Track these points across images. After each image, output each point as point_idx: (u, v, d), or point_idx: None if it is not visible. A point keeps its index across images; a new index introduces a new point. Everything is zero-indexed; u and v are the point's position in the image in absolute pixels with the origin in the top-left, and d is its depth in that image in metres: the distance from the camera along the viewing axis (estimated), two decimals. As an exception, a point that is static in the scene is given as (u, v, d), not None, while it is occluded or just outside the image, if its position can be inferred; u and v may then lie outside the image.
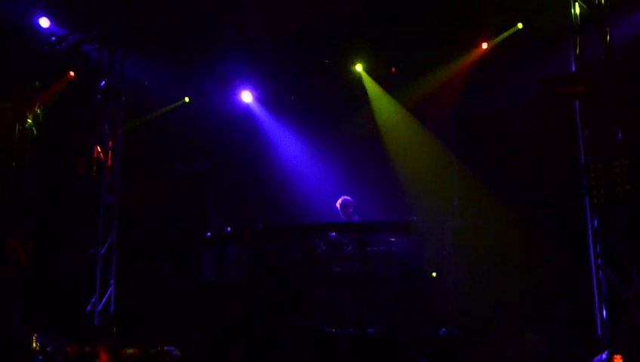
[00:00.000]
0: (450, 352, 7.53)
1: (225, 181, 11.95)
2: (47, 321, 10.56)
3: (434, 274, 9.38)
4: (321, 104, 11.95)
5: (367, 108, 11.42)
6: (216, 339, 8.40)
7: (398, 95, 11.15)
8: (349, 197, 9.75)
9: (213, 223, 10.40)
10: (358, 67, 11.62)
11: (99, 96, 11.28)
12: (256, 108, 12.63)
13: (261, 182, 11.87)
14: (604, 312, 7.25)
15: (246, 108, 12.62)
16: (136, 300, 10.93)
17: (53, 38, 11.19)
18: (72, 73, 11.41)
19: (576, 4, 7.83)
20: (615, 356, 6.46)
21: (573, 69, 7.84)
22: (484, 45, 10.32)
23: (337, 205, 9.73)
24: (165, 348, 8.46)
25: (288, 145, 12.25)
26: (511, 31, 9.97)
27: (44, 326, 10.08)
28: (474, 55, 10.27)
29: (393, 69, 11.38)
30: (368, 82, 11.57)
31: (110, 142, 11.30)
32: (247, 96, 12.57)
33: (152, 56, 11.71)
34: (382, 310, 8.55)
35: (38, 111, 12.07)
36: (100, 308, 10.81)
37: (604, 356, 6.61)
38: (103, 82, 11.32)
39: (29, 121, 11.85)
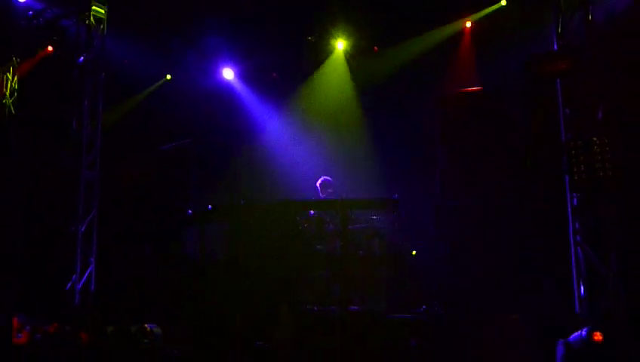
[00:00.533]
0: (434, 331, 7.58)
1: (207, 159, 11.87)
2: (28, 300, 10.49)
3: (414, 253, 9.44)
4: (304, 82, 11.87)
5: (348, 87, 11.37)
6: (197, 317, 8.40)
7: (379, 73, 11.10)
8: (328, 178, 9.74)
9: (195, 201, 10.34)
10: (340, 45, 11.56)
11: (77, 71, 11.10)
12: (238, 86, 12.54)
13: (243, 160, 11.81)
14: (582, 289, 7.34)
15: (227, 86, 12.53)
16: (117, 278, 10.87)
17: (31, 13, 10.98)
18: (50, 48, 11.22)
19: (559, -19, 7.83)
20: (595, 332, 6.53)
21: (555, 47, 7.86)
22: (468, 24, 10.29)
23: (317, 185, 9.72)
24: (146, 325, 8.44)
25: (270, 123, 12.19)
26: (495, 7, 9.94)
27: (25, 305, 10.02)
28: (458, 33, 10.24)
29: (375, 48, 11.34)
30: (348, 61, 11.52)
31: (89, 118, 11.17)
32: (228, 74, 12.46)
33: (131, 32, 11.55)
34: (364, 288, 8.59)
35: (15, 87, 11.90)
36: (80, 286, 10.73)
37: (583, 332, 6.68)
38: (82, 57, 11.15)
39: (6, 96, 11.67)
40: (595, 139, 7.28)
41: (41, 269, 11.21)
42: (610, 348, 6.43)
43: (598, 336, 6.46)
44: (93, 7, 10.93)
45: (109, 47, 11.32)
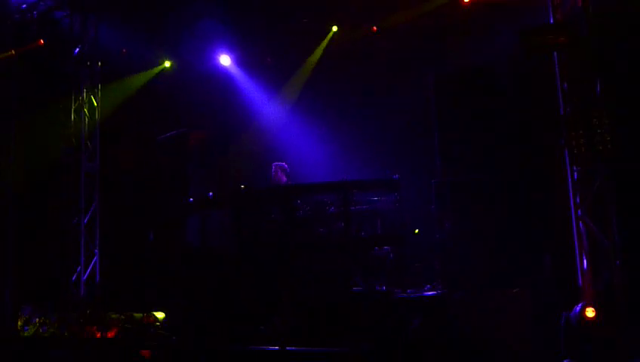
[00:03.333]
0: (438, 309, 7.58)
1: (206, 146, 11.86)
2: (33, 292, 10.56)
3: (416, 232, 9.43)
4: (300, 66, 11.82)
5: (345, 68, 11.30)
6: (201, 305, 8.44)
7: (374, 53, 11.03)
8: (284, 163, 9.73)
9: (196, 189, 10.35)
10: (336, 26, 11.50)
11: (73, 63, 11.09)
12: (236, 72, 12.49)
13: (242, 146, 11.80)
14: (585, 262, 7.31)
15: (225, 72, 12.48)
16: (121, 268, 10.93)
17: (24, 6, 10.94)
18: (42, 41, 11.17)
19: (555, -48, 7.72)
20: (587, 308, 6.52)
21: (552, 20, 7.78)
22: (466, -1, 10.17)
23: (272, 171, 9.70)
24: (152, 313, 8.49)
25: (268, 108, 12.16)
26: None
27: (30, 298, 10.09)
28: (453, 8, 10.13)
29: (374, 28, 11.25)
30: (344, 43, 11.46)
31: (88, 110, 11.17)
32: (225, 60, 12.41)
33: (126, 21, 11.50)
34: (366, 269, 8.60)
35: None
36: (85, 277, 10.81)
37: (578, 307, 6.69)
38: (77, 49, 11.13)
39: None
40: (594, 112, 7.24)
41: (46, 262, 11.27)
42: (605, 322, 6.42)
43: (590, 312, 6.45)
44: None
45: (104, 37, 11.30)
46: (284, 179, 9.69)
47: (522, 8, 8.85)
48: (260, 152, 11.43)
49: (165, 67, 12.55)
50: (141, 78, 12.54)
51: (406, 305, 7.70)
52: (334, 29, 11.49)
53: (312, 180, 9.71)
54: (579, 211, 7.46)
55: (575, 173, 7.55)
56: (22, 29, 10.97)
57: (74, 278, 10.72)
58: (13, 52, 10.33)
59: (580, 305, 6.69)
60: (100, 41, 11.26)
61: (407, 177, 8.73)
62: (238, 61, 12.43)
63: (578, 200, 7.48)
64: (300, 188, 9.16)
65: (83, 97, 11.15)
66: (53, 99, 11.44)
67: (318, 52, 11.68)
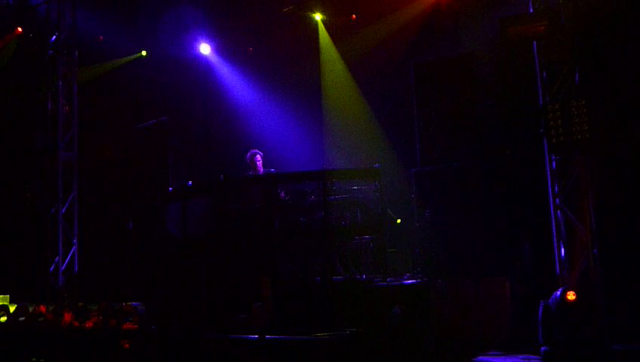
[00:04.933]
0: (418, 298, 7.61)
1: (185, 135, 11.78)
2: (10, 282, 10.46)
3: (398, 221, 9.44)
4: (281, 54, 11.76)
5: (326, 57, 11.27)
6: (181, 293, 8.40)
7: (356, 42, 11.00)
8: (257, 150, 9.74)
9: (176, 178, 10.27)
10: (317, 16, 11.45)
11: (50, 51, 10.93)
12: (215, 60, 12.41)
13: (221, 135, 11.74)
14: (562, 251, 7.39)
15: (205, 61, 12.40)
16: (100, 258, 10.84)
17: (-1, -8, 10.79)
18: (19, 29, 11.01)
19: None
20: (568, 291, 6.59)
21: (531, 10, 7.81)
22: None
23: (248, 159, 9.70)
24: (130, 303, 8.43)
25: (248, 97, 12.10)
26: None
27: (7, 287, 9.98)
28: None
29: (353, 16, 11.22)
30: (324, 31, 11.41)
31: (64, 99, 11.03)
32: (205, 49, 12.33)
33: (103, 8, 11.35)
34: (347, 258, 8.60)
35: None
36: (63, 267, 10.70)
37: (558, 293, 6.75)
38: (54, 37, 10.96)
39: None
40: (572, 101, 7.29)
41: (24, 252, 11.15)
42: (584, 307, 6.50)
43: (571, 295, 6.53)
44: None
45: (81, 25, 11.14)
46: (260, 166, 9.66)
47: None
48: (240, 140, 11.38)
49: (142, 55, 12.46)
50: (118, 64, 12.42)
51: (386, 293, 7.72)
52: (318, 17, 11.43)
53: (292, 169, 9.67)
54: (557, 200, 7.52)
55: (554, 162, 7.61)
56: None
57: (52, 268, 10.61)
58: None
59: (559, 290, 6.75)
60: (76, 28, 11.08)
61: (388, 166, 8.73)
62: (218, 49, 12.35)
63: (557, 189, 7.54)
64: (280, 176, 9.12)
65: (60, 86, 10.98)
66: (29, 86, 11.28)
67: (301, 40, 11.62)
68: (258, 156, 9.65)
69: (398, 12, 10.34)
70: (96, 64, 12.01)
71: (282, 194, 8.88)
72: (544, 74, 7.75)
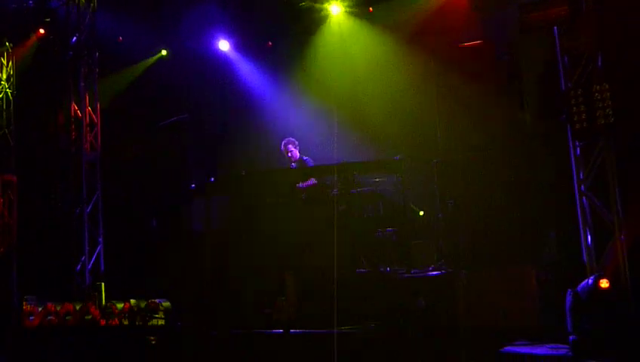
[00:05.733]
0: (443, 289, 7.56)
1: (206, 131, 11.83)
2: (38, 283, 10.60)
3: (421, 213, 9.37)
4: (300, 49, 11.74)
5: (345, 50, 11.20)
6: (205, 289, 8.44)
7: (374, 33, 10.92)
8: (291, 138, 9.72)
9: (197, 174, 10.32)
10: (334, 9, 11.39)
11: (71, 52, 11.04)
12: (234, 56, 12.43)
13: (242, 131, 11.75)
14: (589, 238, 7.26)
15: (224, 57, 12.42)
16: (125, 255, 10.94)
17: (20, -5, 10.92)
18: (41, 30, 11.14)
19: None
20: (601, 279, 6.47)
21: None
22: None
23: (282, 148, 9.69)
24: (156, 300, 8.49)
25: (268, 92, 12.09)
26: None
27: (35, 288, 10.12)
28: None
29: (370, 9, 11.15)
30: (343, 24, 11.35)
31: (87, 99, 11.14)
32: (224, 45, 12.35)
33: (123, 9, 11.43)
34: (370, 251, 8.57)
35: (12, 72, 11.89)
36: (90, 266, 10.82)
37: (590, 281, 6.62)
38: (74, 38, 11.06)
39: (2, 82, 11.65)
40: (595, 86, 7.16)
41: (50, 252, 11.29)
42: (618, 295, 6.38)
43: (604, 283, 6.40)
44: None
45: (101, 25, 11.24)
46: (297, 153, 9.66)
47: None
48: (260, 135, 11.39)
49: (162, 55, 12.54)
50: (139, 67, 12.53)
51: (410, 285, 7.68)
52: (333, 10, 11.38)
53: (313, 163, 9.66)
54: (582, 187, 7.40)
55: (577, 149, 7.48)
56: (18, 19, 10.93)
57: (78, 268, 10.73)
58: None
59: (591, 277, 6.63)
60: (96, 30, 11.17)
61: (410, 157, 8.66)
62: (237, 45, 12.36)
63: (582, 175, 7.42)
64: (301, 171, 9.12)
65: (81, 86, 11.09)
66: (52, 88, 11.41)
67: (319, 34, 11.58)
68: (290, 145, 9.67)
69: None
70: (119, 65, 12.09)
71: (304, 187, 8.87)
72: (565, 59, 7.61)
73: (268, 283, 7.96)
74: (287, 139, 9.77)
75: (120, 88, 12.17)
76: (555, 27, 7.63)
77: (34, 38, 11.53)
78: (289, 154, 9.67)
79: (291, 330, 6.83)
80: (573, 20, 7.44)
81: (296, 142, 9.75)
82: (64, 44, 11.10)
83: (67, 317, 8.99)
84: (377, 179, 8.85)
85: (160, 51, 12.58)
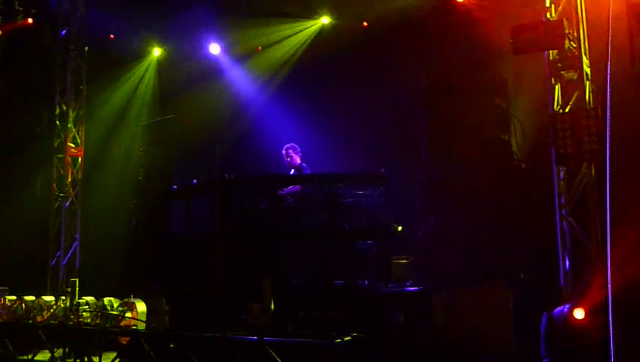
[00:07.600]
0: (420, 305, 7.54)
1: (191, 133, 11.76)
2: (12, 277, 10.43)
3: (400, 229, 9.35)
4: (290, 55, 11.74)
5: (335, 60, 11.21)
6: (181, 292, 8.36)
7: (365, 46, 10.93)
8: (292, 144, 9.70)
9: (180, 176, 10.24)
10: (325, 20, 11.44)
11: (60, 45, 10.94)
12: (224, 60, 12.40)
13: (228, 134, 11.70)
14: (567, 262, 7.29)
15: (214, 60, 12.39)
16: (102, 254, 10.83)
17: (10, -16, 10.80)
18: (29, 20, 11.00)
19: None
20: (575, 308, 6.47)
21: (544, 19, 7.74)
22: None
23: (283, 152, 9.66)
24: (132, 299, 8.38)
25: (255, 97, 12.07)
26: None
27: (7, 280, 9.96)
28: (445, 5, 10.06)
29: (364, 23, 11.17)
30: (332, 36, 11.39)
31: (73, 94, 11.03)
32: (214, 48, 12.32)
33: (113, 7, 11.36)
34: (350, 263, 8.52)
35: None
36: (65, 262, 10.69)
37: (565, 308, 6.63)
38: (64, 31, 10.97)
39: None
40: (582, 112, 7.21)
41: (25, 246, 11.14)
42: (591, 326, 6.36)
43: (579, 313, 6.40)
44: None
45: (91, 21, 11.15)
46: (297, 160, 9.59)
47: (517, 4, 8.77)
48: (246, 140, 11.35)
49: (152, 56, 12.52)
50: (128, 65, 12.47)
51: (388, 299, 7.65)
52: (324, 21, 11.41)
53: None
54: (563, 211, 7.43)
55: (561, 173, 7.52)
56: (8, 6, 10.79)
57: (53, 263, 10.60)
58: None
59: (567, 306, 6.63)
60: (87, 25, 11.09)
61: (394, 172, 8.65)
62: (227, 49, 12.33)
63: (563, 200, 7.45)
64: (286, 178, 9.09)
65: (68, 80, 10.98)
66: (38, 80, 11.28)
67: (307, 43, 11.61)
68: (291, 151, 9.62)
69: (410, 17, 10.19)
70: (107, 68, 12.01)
71: (287, 195, 8.83)
72: (554, 82, 7.66)
73: (245, 288, 7.88)
74: (287, 145, 9.71)
75: (108, 85, 12.06)
76: (545, 52, 7.70)
77: (21, 27, 11.35)
78: (289, 160, 9.61)
79: (265, 338, 6.75)
80: (563, 46, 7.49)
81: (298, 148, 9.69)
82: (53, 36, 11.00)
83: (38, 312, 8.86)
84: (361, 192, 8.82)
85: (151, 52, 12.53)
